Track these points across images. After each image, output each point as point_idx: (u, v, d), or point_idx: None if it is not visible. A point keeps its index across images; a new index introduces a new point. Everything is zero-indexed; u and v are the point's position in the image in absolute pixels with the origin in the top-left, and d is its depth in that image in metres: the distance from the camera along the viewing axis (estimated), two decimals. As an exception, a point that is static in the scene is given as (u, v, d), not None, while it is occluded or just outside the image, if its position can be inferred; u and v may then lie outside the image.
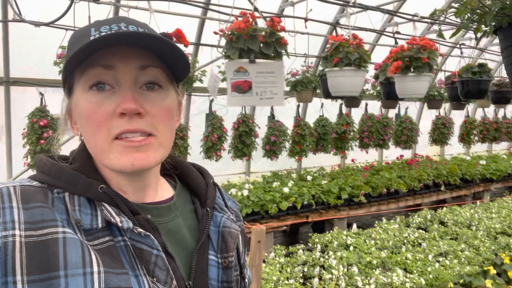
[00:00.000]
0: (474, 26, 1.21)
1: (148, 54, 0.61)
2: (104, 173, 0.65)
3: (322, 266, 2.90)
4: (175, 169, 0.78)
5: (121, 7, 3.33)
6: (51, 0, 2.93)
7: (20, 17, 2.65)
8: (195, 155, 4.58)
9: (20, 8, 2.71)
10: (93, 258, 0.55)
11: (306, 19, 3.21)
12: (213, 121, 4.46)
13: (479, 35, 1.19)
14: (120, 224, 0.58)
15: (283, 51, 2.24)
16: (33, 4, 2.86)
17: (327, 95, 3.60)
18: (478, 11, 1.15)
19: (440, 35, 1.26)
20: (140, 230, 0.59)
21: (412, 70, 3.05)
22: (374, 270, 2.82)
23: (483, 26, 1.19)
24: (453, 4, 1.14)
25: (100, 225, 0.58)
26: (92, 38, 0.58)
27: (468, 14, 1.16)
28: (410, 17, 3.57)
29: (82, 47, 0.55)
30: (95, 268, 0.54)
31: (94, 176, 0.63)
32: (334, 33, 3.72)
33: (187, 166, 0.78)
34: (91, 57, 0.58)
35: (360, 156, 6.36)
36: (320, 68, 3.89)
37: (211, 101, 4.52)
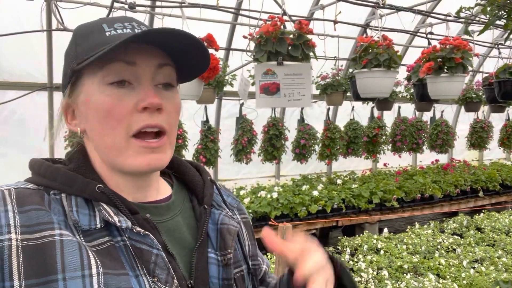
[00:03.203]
0: (503, 22, 1.19)
1: (163, 53, 0.62)
2: (102, 173, 0.64)
3: (351, 269, 2.88)
4: (171, 168, 0.77)
5: (156, 14, 3.47)
6: (91, 10, 3.10)
7: (62, 25, 2.82)
8: (225, 157, 4.67)
9: (62, 18, 2.90)
10: (92, 260, 0.54)
11: (335, 22, 3.21)
12: (243, 124, 4.53)
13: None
14: (118, 224, 0.57)
15: (311, 53, 2.26)
16: (74, 14, 3.04)
17: (357, 97, 3.58)
18: (506, 7, 1.14)
19: (467, 32, 1.24)
20: (139, 229, 0.58)
21: (445, 70, 2.98)
22: (405, 274, 2.77)
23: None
24: (479, 1, 1.13)
25: (98, 225, 0.57)
26: (108, 34, 0.60)
27: (496, 11, 1.15)
28: (443, 17, 3.49)
29: (120, 43, 0.54)
30: (94, 270, 0.53)
31: (91, 176, 0.62)
32: (364, 35, 3.70)
33: (184, 163, 0.77)
34: (111, 52, 0.57)
35: (393, 161, 6.22)
36: (350, 70, 3.87)
37: (241, 104, 4.59)
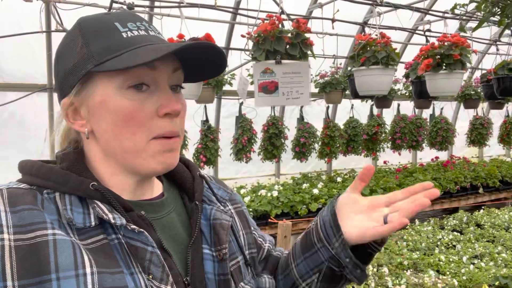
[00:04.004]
0: (497, 19, 1.20)
1: (175, 57, 0.63)
2: (103, 173, 0.64)
3: (352, 266, 2.89)
4: None
5: (155, 15, 3.48)
6: (90, 11, 3.12)
7: (62, 27, 2.83)
8: (225, 157, 4.68)
9: (61, 19, 2.91)
10: (86, 259, 0.53)
11: (333, 20, 3.22)
12: (243, 123, 4.54)
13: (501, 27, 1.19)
14: (113, 221, 0.56)
15: (309, 51, 2.27)
16: (73, 15, 3.05)
17: (355, 95, 3.59)
18: (499, 3, 1.15)
19: (462, 29, 1.25)
20: (134, 226, 0.58)
21: (443, 67, 2.99)
22: (405, 271, 2.78)
23: (506, 19, 1.18)
24: (474, -2, 1.14)
25: (93, 223, 0.57)
26: (125, 35, 0.59)
27: (490, 7, 1.16)
28: (441, 14, 3.50)
29: (165, 55, 0.55)
30: (88, 269, 0.53)
31: (85, 175, 0.61)
32: (362, 33, 3.71)
33: None
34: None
35: (392, 158, 6.24)
36: (349, 68, 3.89)
37: (241, 104, 4.60)
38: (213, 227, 0.69)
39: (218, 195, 0.76)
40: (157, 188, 0.71)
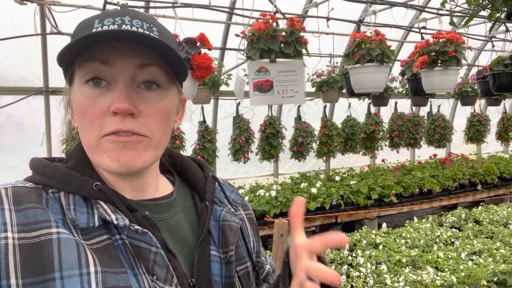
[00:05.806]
0: (488, 13, 1.20)
1: (149, 52, 0.59)
2: (100, 171, 0.64)
3: (350, 265, 2.89)
4: (174, 165, 0.76)
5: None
6: (84, 13, 3.11)
7: (56, 29, 2.83)
8: (224, 157, 4.68)
9: (56, 21, 2.91)
10: (90, 258, 0.53)
11: (328, 18, 3.23)
12: (240, 123, 4.54)
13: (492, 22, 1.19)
14: (116, 222, 0.56)
15: (303, 49, 2.27)
16: (68, 18, 3.05)
17: (351, 93, 3.59)
18: (489, -4, 1.15)
19: (452, 23, 1.25)
20: (137, 227, 0.57)
21: (438, 64, 2.99)
22: (403, 268, 2.78)
23: (496, 12, 1.18)
24: (464, -8, 1.14)
25: (96, 224, 0.57)
26: (94, 30, 0.56)
27: (480, 1, 1.16)
28: (435, 11, 3.50)
29: (78, 39, 0.54)
30: (92, 268, 0.52)
31: (89, 174, 0.61)
32: (357, 31, 3.71)
33: (185, 160, 0.76)
34: (89, 50, 0.57)
35: (391, 156, 6.24)
36: (344, 66, 3.89)
37: (238, 104, 4.60)
38: (222, 228, 0.68)
39: (231, 198, 0.74)
40: (164, 187, 0.71)
